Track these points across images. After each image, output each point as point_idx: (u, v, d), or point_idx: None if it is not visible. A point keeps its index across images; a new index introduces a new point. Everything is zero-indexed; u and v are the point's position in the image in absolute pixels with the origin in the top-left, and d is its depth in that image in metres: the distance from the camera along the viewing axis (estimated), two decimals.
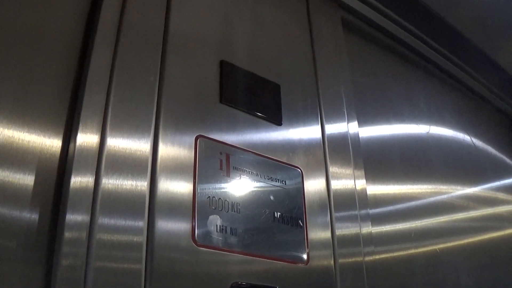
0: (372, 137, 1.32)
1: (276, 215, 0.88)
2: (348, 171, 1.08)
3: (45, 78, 0.77)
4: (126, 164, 0.74)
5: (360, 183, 1.10)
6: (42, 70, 0.77)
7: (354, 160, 1.11)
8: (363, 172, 1.13)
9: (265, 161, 0.92)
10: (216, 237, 0.78)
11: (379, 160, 1.29)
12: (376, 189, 1.22)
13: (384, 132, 1.39)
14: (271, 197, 0.89)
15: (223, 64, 0.95)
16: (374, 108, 1.38)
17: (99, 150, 0.72)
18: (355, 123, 1.19)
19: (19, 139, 0.70)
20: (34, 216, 0.67)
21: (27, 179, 0.69)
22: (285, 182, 0.92)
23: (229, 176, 0.85)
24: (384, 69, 1.53)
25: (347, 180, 1.06)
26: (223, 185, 0.83)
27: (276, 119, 0.98)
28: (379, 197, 1.23)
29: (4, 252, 0.64)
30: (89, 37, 0.83)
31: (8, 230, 0.65)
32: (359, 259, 0.99)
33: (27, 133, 0.71)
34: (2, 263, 0.63)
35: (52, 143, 0.74)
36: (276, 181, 0.91)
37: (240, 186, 0.85)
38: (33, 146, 0.71)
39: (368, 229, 1.06)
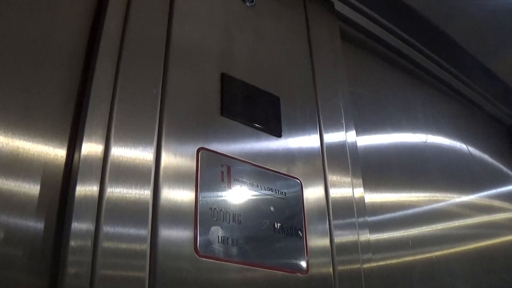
0: (370, 146, 1.33)
1: (276, 226, 0.89)
2: (347, 179, 1.09)
3: (49, 89, 0.78)
4: (130, 174, 0.75)
5: (358, 192, 1.11)
6: (46, 81, 0.78)
7: (352, 169, 1.12)
8: (361, 181, 1.14)
9: (265, 173, 0.93)
10: (218, 248, 0.79)
11: (377, 169, 1.30)
12: (374, 197, 1.24)
13: (382, 141, 1.41)
14: (271, 208, 0.90)
15: (224, 77, 0.96)
16: (372, 117, 1.39)
17: (103, 160, 0.73)
18: (353, 133, 1.20)
19: (24, 150, 0.71)
20: (40, 225, 0.68)
21: (33, 189, 0.70)
22: (284, 193, 0.94)
23: (230, 188, 0.86)
24: (382, 79, 1.54)
25: (345, 189, 1.07)
26: (224, 196, 0.84)
27: (275, 131, 1.00)
28: (377, 205, 1.24)
29: (10, 261, 0.64)
30: (92, 48, 0.84)
31: (14, 239, 0.65)
32: (357, 266, 1.00)
33: (32, 144, 0.72)
34: (8, 272, 0.64)
35: (57, 153, 0.74)
36: (276, 192, 0.92)
37: (241, 198, 0.86)
38: (38, 157, 0.72)
39: (366, 236, 1.06)
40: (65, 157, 0.75)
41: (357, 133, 1.22)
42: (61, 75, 0.80)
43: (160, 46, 0.90)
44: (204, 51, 0.97)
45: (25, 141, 0.72)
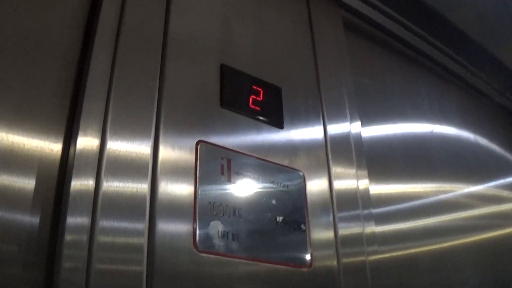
0: (375, 137, 1.32)
1: (278, 219, 0.87)
2: (351, 171, 1.08)
3: (45, 83, 0.77)
4: (127, 168, 0.74)
5: (363, 183, 1.10)
6: (41, 74, 0.77)
7: (357, 160, 1.11)
8: (366, 172, 1.13)
9: (267, 165, 0.91)
10: (218, 243, 0.77)
11: (382, 159, 1.29)
12: (379, 189, 1.22)
13: (387, 132, 1.39)
14: (273, 201, 0.89)
15: (223, 68, 0.95)
16: (376, 108, 1.38)
17: (99, 154, 0.72)
18: (358, 123, 1.19)
19: (19, 144, 0.71)
20: (35, 220, 0.68)
21: (28, 183, 0.69)
22: (287, 185, 0.92)
23: (230, 181, 0.84)
24: (386, 69, 1.52)
25: (349, 180, 1.06)
26: (224, 190, 0.83)
27: (277, 123, 0.98)
28: (382, 196, 1.23)
29: (6, 256, 0.64)
30: (88, 41, 0.83)
31: (9, 234, 0.65)
32: (362, 259, 0.99)
33: (27, 138, 0.72)
34: (4, 266, 0.64)
35: (53, 147, 0.74)
36: (278, 185, 0.91)
37: (242, 191, 0.85)
38: (34, 151, 0.72)
39: (371, 228, 1.05)
40: (60, 151, 0.74)
41: (362, 124, 1.20)
42: (57, 69, 0.79)
43: (157, 37, 0.88)
44: (203, 42, 0.95)
45: (20, 136, 0.71)
